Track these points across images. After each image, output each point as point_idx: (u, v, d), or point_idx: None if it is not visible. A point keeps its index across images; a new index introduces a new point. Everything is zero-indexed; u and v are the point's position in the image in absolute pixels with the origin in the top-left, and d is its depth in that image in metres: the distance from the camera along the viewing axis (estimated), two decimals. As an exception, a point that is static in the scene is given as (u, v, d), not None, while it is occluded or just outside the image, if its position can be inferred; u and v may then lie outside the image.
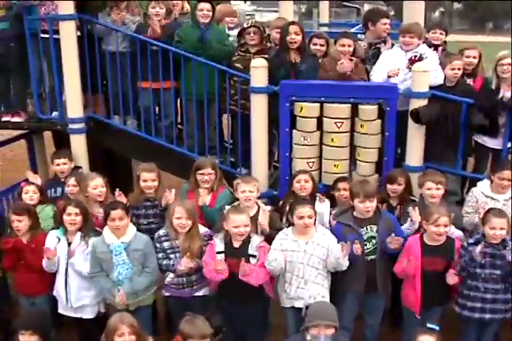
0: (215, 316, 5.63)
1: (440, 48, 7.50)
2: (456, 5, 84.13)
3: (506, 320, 5.66)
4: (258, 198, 6.30)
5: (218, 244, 5.69)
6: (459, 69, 6.80)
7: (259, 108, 6.76)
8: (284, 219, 6.12)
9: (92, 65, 7.53)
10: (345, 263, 5.55)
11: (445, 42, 7.81)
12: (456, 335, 5.87)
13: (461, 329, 5.84)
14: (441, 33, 7.69)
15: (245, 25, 7.46)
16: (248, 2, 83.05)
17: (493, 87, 6.86)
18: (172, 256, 5.80)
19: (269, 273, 5.61)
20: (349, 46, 6.89)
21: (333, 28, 11.53)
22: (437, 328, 5.04)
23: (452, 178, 6.96)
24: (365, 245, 5.74)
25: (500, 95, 6.67)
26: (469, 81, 7.21)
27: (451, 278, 5.50)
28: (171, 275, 5.83)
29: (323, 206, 6.21)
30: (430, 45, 7.42)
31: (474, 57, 7.28)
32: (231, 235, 5.64)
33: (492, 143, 6.86)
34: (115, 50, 7.45)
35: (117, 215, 5.70)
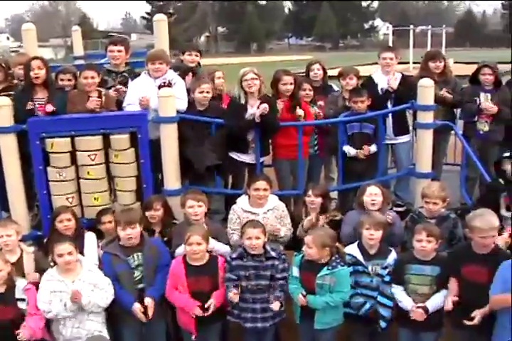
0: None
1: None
2: (220, 29, 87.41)
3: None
4: (21, 241, 6.06)
5: (-19, 292, 5.45)
6: (207, 92, 6.97)
7: (8, 148, 6.46)
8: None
9: None
10: (94, 309, 5.56)
11: (199, 63, 8.04)
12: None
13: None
14: (196, 55, 7.91)
15: (-14, 65, 7.18)
16: (11, 38, 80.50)
17: (242, 102, 7.07)
18: None
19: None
20: (92, 78, 6.82)
21: (89, 59, 11.38)
22: None
23: (216, 198, 7.16)
24: (134, 273, 5.71)
25: (250, 113, 6.95)
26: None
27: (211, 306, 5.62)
28: None
29: None
30: (178, 69, 7.58)
31: (219, 78, 7.56)
32: (-8, 282, 5.43)
33: (245, 158, 7.13)
34: None
35: None
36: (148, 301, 5.65)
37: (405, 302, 5.54)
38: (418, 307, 5.44)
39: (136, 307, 5.64)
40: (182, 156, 6.78)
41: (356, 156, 7.15)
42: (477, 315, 5.19)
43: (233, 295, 5.57)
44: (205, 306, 5.58)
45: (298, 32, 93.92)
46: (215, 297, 5.64)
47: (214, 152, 6.86)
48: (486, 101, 7.67)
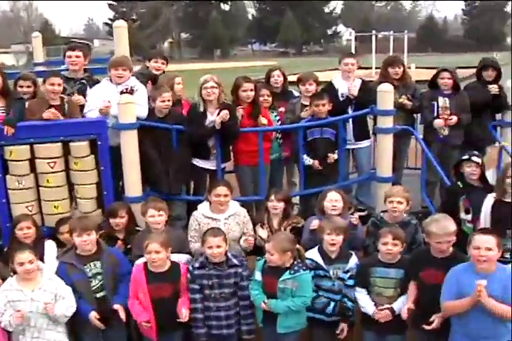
0: None
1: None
2: (184, 35, 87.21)
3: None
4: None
5: None
6: (168, 100, 6.97)
7: (-33, 157, 6.38)
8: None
9: None
10: (61, 320, 5.52)
11: (164, 71, 8.02)
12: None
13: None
14: (162, 63, 7.89)
15: None
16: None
17: (201, 109, 7.06)
18: None
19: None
20: (59, 85, 6.76)
21: (50, 66, 11.27)
22: None
23: (178, 203, 7.13)
24: (91, 282, 5.68)
25: (210, 120, 6.96)
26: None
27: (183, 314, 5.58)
28: None
29: None
30: (142, 75, 7.55)
31: (178, 83, 7.56)
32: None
33: (206, 164, 7.14)
34: None
35: None
36: (118, 307, 5.64)
37: (368, 307, 5.58)
38: (383, 309, 5.49)
39: (92, 315, 5.61)
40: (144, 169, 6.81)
41: (312, 166, 7.20)
42: (435, 319, 5.24)
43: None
44: (182, 317, 5.58)
45: (262, 38, 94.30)
46: (182, 305, 5.63)
47: (178, 172, 6.95)
48: (443, 118, 7.75)
